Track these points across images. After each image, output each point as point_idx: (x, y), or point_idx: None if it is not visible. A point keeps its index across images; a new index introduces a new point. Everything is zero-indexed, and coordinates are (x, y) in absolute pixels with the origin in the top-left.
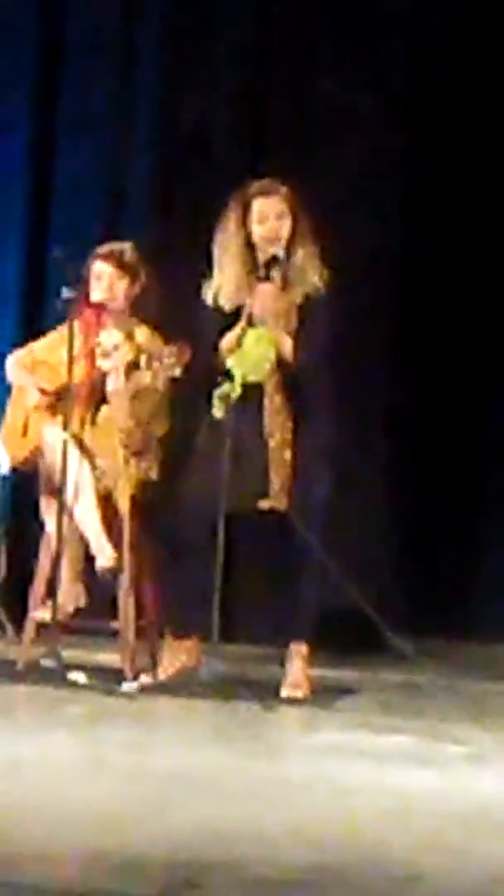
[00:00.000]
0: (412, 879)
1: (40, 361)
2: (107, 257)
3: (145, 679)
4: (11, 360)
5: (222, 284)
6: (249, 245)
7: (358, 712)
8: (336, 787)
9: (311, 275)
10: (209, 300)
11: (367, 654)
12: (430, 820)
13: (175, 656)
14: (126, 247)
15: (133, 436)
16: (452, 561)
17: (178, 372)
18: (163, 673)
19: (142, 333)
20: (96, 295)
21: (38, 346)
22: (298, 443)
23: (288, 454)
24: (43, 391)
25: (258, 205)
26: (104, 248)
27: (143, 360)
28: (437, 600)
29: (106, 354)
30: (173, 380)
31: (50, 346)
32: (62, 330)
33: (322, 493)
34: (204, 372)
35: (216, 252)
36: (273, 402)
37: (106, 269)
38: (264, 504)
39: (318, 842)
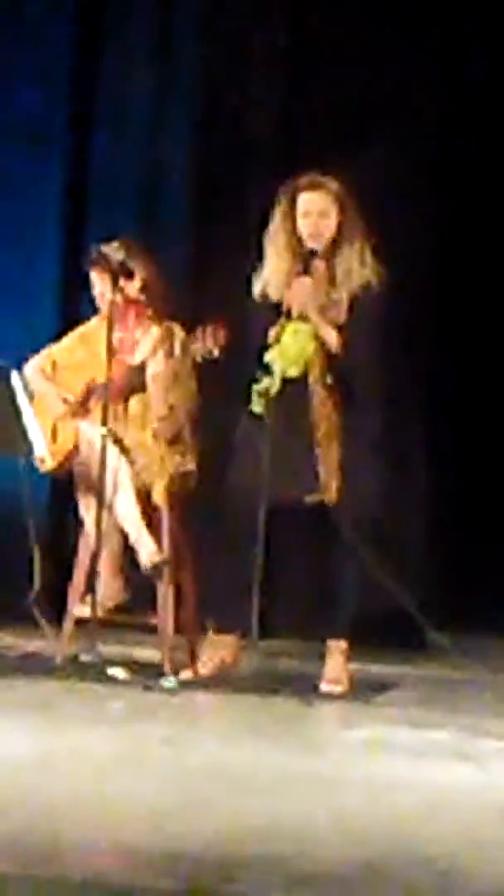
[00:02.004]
0: (450, 874)
1: (61, 365)
2: (93, 263)
3: (185, 674)
4: (30, 367)
5: (270, 277)
6: (296, 238)
7: (396, 708)
8: (374, 782)
9: (360, 271)
10: (257, 293)
11: (406, 649)
12: (469, 814)
13: (216, 652)
14: (109, 248)
15: (167, 422)
16: (492, 557)
17: (215, 353)
18: (203, 668)
19: (160, 324)
20: (99, 300)
21: (56, 351)
22: (346, 436)
23: (335, 447)
24: (66, 401)
25: (303, 199)
26: (92, 254)
27: (177, 344)
28: (476, 596)
29: (129, 350)
30: (212, 362)
31: (69, 349)
32: (80, 331)
33: (371, 487)
34: (248, 365)
35: (266, 244)
36: (319, 395)
37: (94, 275)
38: (312, 498)
39: (356, 837)
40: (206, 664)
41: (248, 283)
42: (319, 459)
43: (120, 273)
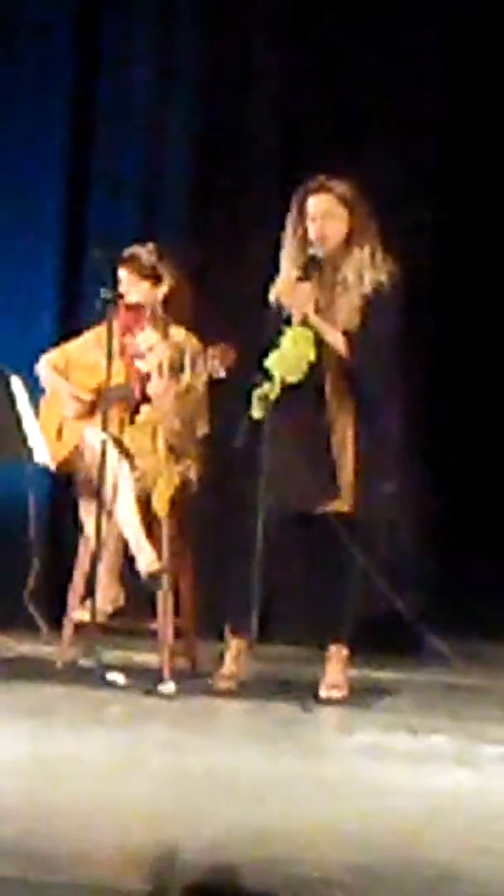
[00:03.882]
0: (449, 879)
1: (74, 363)
2: (124, 261)
3: (225, 684)
4: (44, 363)
5: (283, 281)
6: (307, 243)
7: (395, 713)
8: (373, 787)
9: (372, 275)
10: (272, 300)
11: (405, 655)
12: (467, 820)
13: (234, 659)
14: (143, 250)
15: (180, 436)
16: (490, 562)
17: (222, 373)
18: (223, 682)
19: (178, 334)
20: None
21: (71, 347)
22: (357, 442)
23: (350, 454)
24: (78, 398)
25: (311, 203)
26: (126, 252)
27: (186, 360)
28: (474, 602)
29: (140, 356)
30: (218, 381)
31: (84, 347)
32: (97, 330)
33: (385, 492)
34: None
35: (282, 249)
36: (332, 401)
37: (124, 274)
38: (325, 508)
39: (355, 842)
40: (228, 677)
41: (250, 286)
42: (335, 467)
43: (147, 276)
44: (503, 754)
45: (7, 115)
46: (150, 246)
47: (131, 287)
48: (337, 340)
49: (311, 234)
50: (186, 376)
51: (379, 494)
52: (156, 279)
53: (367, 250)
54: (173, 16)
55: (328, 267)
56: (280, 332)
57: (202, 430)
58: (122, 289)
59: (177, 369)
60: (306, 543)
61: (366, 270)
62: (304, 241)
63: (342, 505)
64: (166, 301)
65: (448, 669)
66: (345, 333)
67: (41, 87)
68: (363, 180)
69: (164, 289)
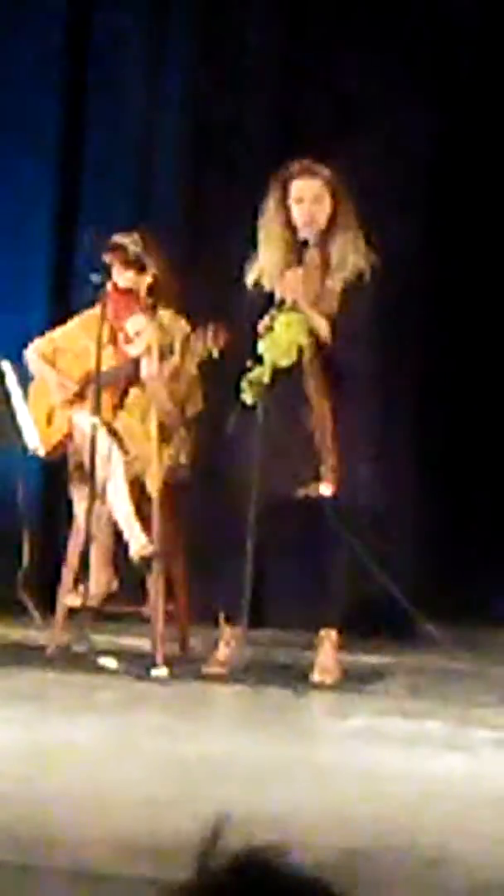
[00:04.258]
0: (441, 863)
1: (62, 351)
2: (109, 250)
3: (213, 669)
4: (31, 351)
5: (263, 267)
6: (290, 226)
7: (387, 697)
8: (365, 771)
9: (354, 259)
10: (251, 283)
11: (397, 639)
12: (459, 804)
13: (227, 644)
14: (128, 239)
15: (172, 417)
16: (482, 546)
17: (214, 353)
18: (217, 667)
19: (165, 316)
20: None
21: (58, 335)
22: (337, 426)
23: (329, 438)
24: (64, 386)
25: (296, 186)
26: (111, 241)
27: (177, 342)
28: (466, 585)
29: (129, 340)
30: (210, 361)
31: (71, 335)
32: (84, 317)
33: (364, 477)
34: (242, 356)
35: (259, 233)
36: (311, 386)
37: (110, 261)
38: (305, 491)
39: (348, 826)
40: (222, 662)
41: (241, 270)
42: (316, 450)
43: (134, 265)
44: (495, 739)
45: None
46: (135, 235)
47: (117, 275)
48: (322, 327)
49: (298, 218)
50: (176, 358)
51: (361, 478)
52: (141, 267)
53: (351, 234)
54: (167, 5)
55: (314, 250)
56: (261, 316)
57: (194, 409)
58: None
59: (166, 352)
60: (295, 527)
61: (349, 254)
62: (287, 224)
63: (325, 488)
64: (152, 287)
65: (440, 653)
66: (328, 319)
67: (33, 69)
68: (358, 170)
69: (148, 278)
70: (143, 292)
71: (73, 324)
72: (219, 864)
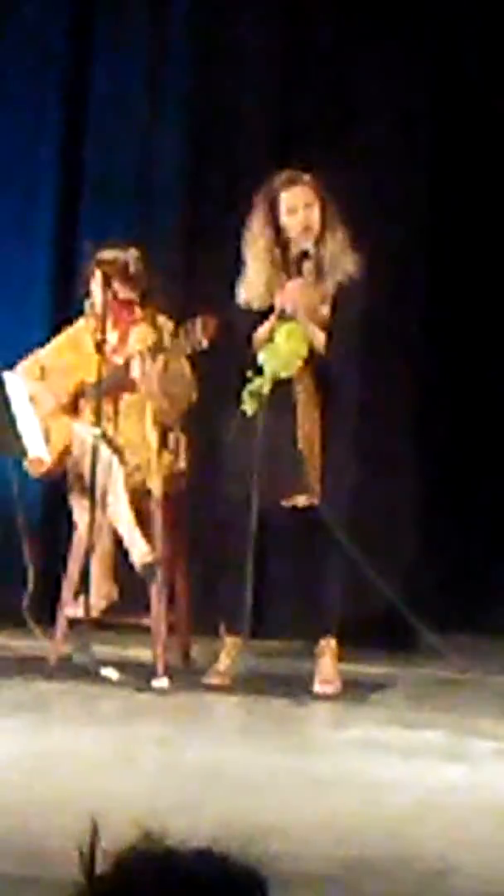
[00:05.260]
0: (442, 873)
1: (49, 369)
2: (98, 263)
3: (214, 680)
4: (19, 372)
5: (252, 282)
6: (280, 240)
7: (388, 707)
8: (366, 781)
9: (344, 263)
10: (240, 299)
11: (398, 649)
12: (460, 814)
13: (228, 654)
14: (119, 252)
15: (168, 414)
16: (482, 555)
17: (204, 344)
18: (218, 678)
19: (151, 316)
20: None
21: (44, 354)
22: (327, 435)
23: (317, 449)
24: (56, 397)
25: (286, 196)
26: (101, 255)
27: (165, 339)
28: (467, 595)
29: (116, 350)
30: (201, 353)
31: (57, 352)
32: (67, 333)
33: (349, 487)
34: (236, 367)
35: (245, 250)
36: (303, 396)
37: (98, 275)
38: (299, 500)
39: (348, 836)
40: (223, 673)
41: (232, 288)
42: (305, 461)
43: (123, 278)
44: (495, 749)
45: None
46: (132, 250)
47: (118, 288)
48: (318, 339)
49: (294, 229)
50: (171, 354)
51: (358, 487)
52: (129, 280)
53: (340, 235)
54: (165, 12)
55: (311, 260)
56: (255, 330)
57: (189, 400)
58: (94, 290)
59: (157, 350)
60: (291, 536)
61: (340, 257)
62: (277, 237)
63: (311, 498)
64: (144, 295)
65: (440, 663)
66: (322, 327)
67: (33, 76)
68: (355, 175)
69: (136, 291)
70: (137, 301)
71: (57, 341)
72: (107, 866)
